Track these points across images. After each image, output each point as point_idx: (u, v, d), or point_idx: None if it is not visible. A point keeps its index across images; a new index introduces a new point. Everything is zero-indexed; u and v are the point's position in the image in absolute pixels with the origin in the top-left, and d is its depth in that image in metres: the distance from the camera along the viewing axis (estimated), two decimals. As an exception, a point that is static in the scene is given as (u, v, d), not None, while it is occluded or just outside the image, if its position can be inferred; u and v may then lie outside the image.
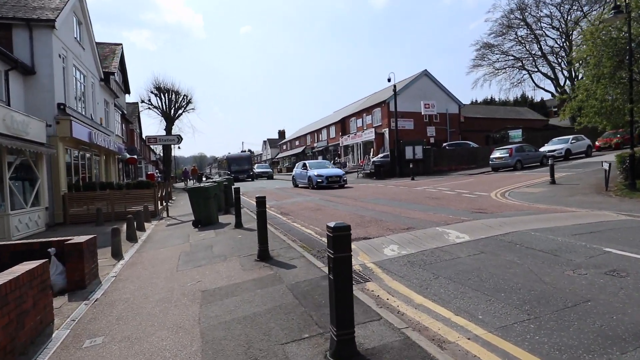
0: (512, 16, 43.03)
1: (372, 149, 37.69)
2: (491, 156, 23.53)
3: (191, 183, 47.62)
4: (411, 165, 22.93)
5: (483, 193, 13.65)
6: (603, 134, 30.65)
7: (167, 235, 9.80)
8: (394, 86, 27.12)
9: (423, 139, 26.76)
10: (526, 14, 41.99)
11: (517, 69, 45.61)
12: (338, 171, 21.62)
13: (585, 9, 37.95)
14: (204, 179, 43.33)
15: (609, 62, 12.12)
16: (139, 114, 36.81)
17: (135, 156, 28.32)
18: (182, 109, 35.06)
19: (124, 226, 9.61)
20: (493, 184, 16.37)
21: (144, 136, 36.17)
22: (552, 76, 42.76)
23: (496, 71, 46.40)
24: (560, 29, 41.04)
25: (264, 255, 6.11)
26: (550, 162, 14.76)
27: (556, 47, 42.45)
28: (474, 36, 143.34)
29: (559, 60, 42.82)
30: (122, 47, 25.92)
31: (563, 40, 41.68)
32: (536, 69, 44.34)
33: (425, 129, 36.71)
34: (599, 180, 14.29)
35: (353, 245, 6.05)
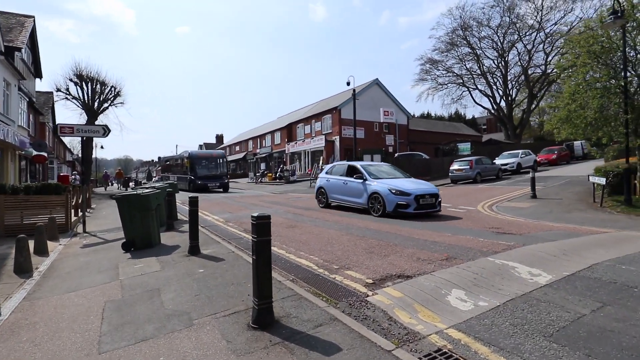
0: (454, 35, 44.47)
1: (321, 157, 35.85)
2: (451, 168, 22.87)
3: (114, 188, 41.73)
4: (373, 175, 21.24)
5: (470, 207, 12.25)
6: (541, 150, 32.21)
7: (83, 264, 6.64)
8: (353, 90, 25.57)
9: (381, 148, 25.39)
10: (467, 33, 43.62)
11: (458, 86, 47.19)
12: (429, 187, 11.21)
13: (522, 32, 40.23)
14: (131, 184, 37.95)
15: (605, 70, 11.39)
16: (54, 105, 30.69)
17: (45, 154, 23.21)
18: (109, 101, 29.66)
19: (14, 249, 6.31)
20: (469, 197, 15.20)
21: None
22: (490, 94, 44.80)
23: (439, 86, 47.61)
24: (497, 50, 43.18)
25: (264, 316, 3.54)
26: (531, 174, 13.91)
27: (493, 67, 44.66)
28: (407, 55, 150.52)
29: (494, 80, 45.08)
30: (34, 21, 21.08)
31: (499, 61, 43.94)
32: (475, 87, 46.22)
33: (376, 138, 35.87)
34: (579, 195, 13.75)
35: (394, 291, 4.34)
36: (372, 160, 24.44)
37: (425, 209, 10.37)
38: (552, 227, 8.24)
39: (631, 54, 11.22)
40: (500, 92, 44.60)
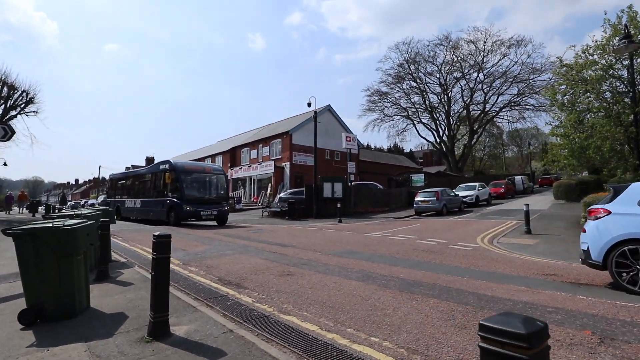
0: (400, 69, 45.70)
1: (269, 185, 33.19)
2: (416, 199, 21.73)
3: (17, 211, 34.22)
4: (339, 205, 19.25)
5: (470, 243, 10.65)
6: (489, 184, 32.93)
7: None
8: (315, 112, 23.75)
9: (342, 176, 23.61)
10: (413, 68, 45.07)
11: (403, 118, 48.17)
12: None
13: (465, 71, 42.39)
14: (40, 209, 31.51)
15: (605, 100, 10.77)
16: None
17: None
18: (19, 109, 24.35)
19: None
20: (454, 231, 13.72)
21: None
22: (434, 128, 46.24)
23: (386, 117, 48.19)
24: (441, 86, 45.05)
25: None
26: (525, 208, 12.82)
27: (436, 102, 46.42)
28: (342, 89, 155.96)
29: (437, 115, 46.79)
30: None
31: (442, 96, 45.83)
32: (419, 120, 47.50)
33: (327, 166, 34.25)
34: (570, 230, 12.91)
35: None
36: (333, 187, 22.48)
37: None
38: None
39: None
40: (443, 127, 46.26)
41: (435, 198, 20.85)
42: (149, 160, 50.68)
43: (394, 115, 48.07)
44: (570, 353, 3.29)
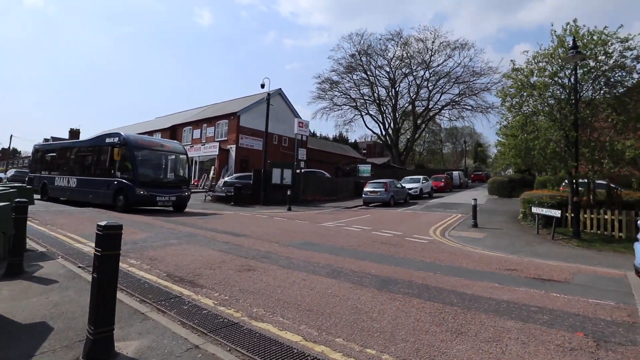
0: (352, 59, 45.68)
1: (212, 167, 31.49)
2: (365, 189, 21.78)
3: None
4: (289, 192, 18.59)
5: (425, 236, 10.70)
6: (431, 178, 34.24)
7: None
8: (268, 94, 22.62)
9: (292, 162, 22.91)
10: (364, 60, 45.30)
11: (352, 108, 48.41)
12: None
13: (414, 67, 43.46)
14: None
15: (550, 105, 11.32)
16: None
17: None
18: None
19: None
20: (405, 223, 13.79)
21: None
22: (380, 120, 47.09)
23: (335, 106, 48.07)
24: (390, 80, 45.85)
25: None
26: (473, 203, 13.22)
27: (384, 95, 47.23)
28: (290, 75, 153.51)
29: (385, 108, 47.68)
30: None
31: (390, 90, 46.72)
32: (367, 112, 48.06)
33: (275, 151, 33.30)
34: (511, 224, 13.56)
35: None
36: (282, 173, 21.73)
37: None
38: (560, 267, 6.92)
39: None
40: (389, 120, 47.31)
41: (384, 189, 21.02)
42: (74, 132, 45.49)
43: (343, 105, 48.17)
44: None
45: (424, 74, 43.35)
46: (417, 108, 45.96)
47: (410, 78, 44.41)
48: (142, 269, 5.71)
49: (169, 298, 4.36)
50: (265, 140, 22.30)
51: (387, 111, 47.56)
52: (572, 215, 10.60)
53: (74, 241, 7.72)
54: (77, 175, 16.71)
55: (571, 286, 5.57)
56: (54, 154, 19.24)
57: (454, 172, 38.96)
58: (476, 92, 41.83)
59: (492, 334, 3.57)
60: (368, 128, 50.10)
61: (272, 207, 19.07)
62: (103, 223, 2.90)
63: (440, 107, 44.68)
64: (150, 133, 39.94)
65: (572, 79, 11.25)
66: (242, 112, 31.18)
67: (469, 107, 42.99)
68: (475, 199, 13.45)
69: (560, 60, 11.19)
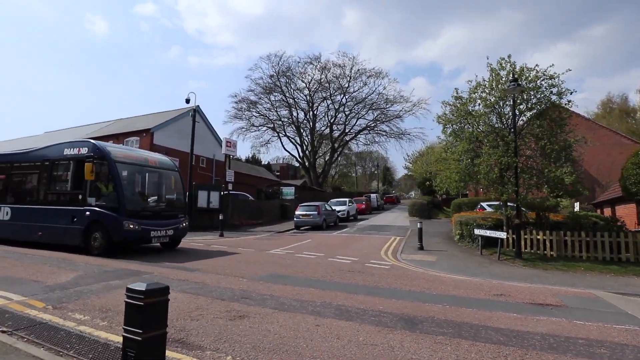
0: (270, 80, 45.46)
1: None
2: (297, 213, 21.20)
3: None
4: (221, 217, 17.04)
5: (384, 262, 10.53)
6: (353, 200, 35.08)
7: None
8: (194, 110, 20.87)
9: (220, 185, 21.29)
10: (282, 81, 45.43)
11: (269, 129, 47.82)
12: None
13: (331, 92, 44.90)
14: None
15: (490, 132, 12.34)
16: None
17: None
18: None
19: None
20: (350, 247, 13.57)
21: None
22: (298, 142, 47.31)
23: (251, 127, 46.96)
24: (308, 103, 46.60)
25: None
26: (419, 226, 13.58)
27: (302, 118, 47.71)
28: (197, 91, 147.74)
29: (303, 130, 48.13)
30: None
31: (308, 112, 47.40)
32: (284, 134, 47.92)
33: (194, 172, 30.79)
34: (450, 245, 14.16)
35: None
36: (209, 196, 20.01)
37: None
38: (544, 291, 7.24)
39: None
40: (307, 142, 47.80)
41: (316, 212, 20.70)
42: None
43: (260, 125, 47.30)
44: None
45: (342, 98, 45.13)
46: (334, 131, 47.37)
47: (328, 102, 45.79)
48: (100, 327, 4.27)
49: None
50: (190, 160, 20.53)
51: (304, 133, 48.07)
52: (514, 236, 11.43)
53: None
54: (14, 202, 11.82)
55: (574, 310, 5.71)
56: None
57: (371, 194, 40.69)
58: (390, 118, 44.82)
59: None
60: (286, 150, 49.93)
61: (202, 233, 17.27)
62: (140, 286, 1.88)
63: (356, 131, 46.75)
64: (36, 148, 33.99)
65: (505, 109, 12.50)
66: (155, 129, 28.35)
67: (384, 133, 45.76)
68: (421, 222, 13.85)
69: (497, 91, 12.33)
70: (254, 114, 46.88)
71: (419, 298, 6.20)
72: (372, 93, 44.46)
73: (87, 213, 10.03)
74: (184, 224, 11.72)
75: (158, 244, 11.30)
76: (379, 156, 68.15)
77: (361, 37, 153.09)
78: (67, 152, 11.04)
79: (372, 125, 45.96)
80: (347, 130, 46.61)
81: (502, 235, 11.28)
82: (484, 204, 20.77)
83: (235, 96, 47.85)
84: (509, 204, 12.51)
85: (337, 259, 10.85)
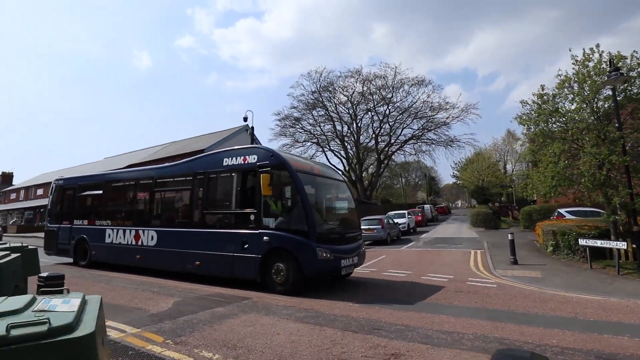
0: (312, 96, 45.45)
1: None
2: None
3: None
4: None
5: (485, 279, 9.46)
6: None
7: None
8: (252, 128, 20.95)
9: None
10: (324, 97, 45.27)
11: (313, 144, 47.63)
12: None
13: (376, 104, 44.18)
14: None
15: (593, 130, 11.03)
16: None
17: None
18: None
19: None
20: (433, 263, 12.54)
21: None
22: (344, 156, 46.69)
23: (296, 143, 46.99)
24: (351, 116, 46.06)
25: None
26: (510, 237, 12.29)
27: (347, 131, 47.15)
28: (231, 115, 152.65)
29: (348, 142, 47.52)
30: None
31: (352, 125, 46.80)
32: (329, 148, 47.48)
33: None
34: (554, 259, 12.54)
35: None
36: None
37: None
38: None
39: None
40: (352, 155, 47.08)
41: (380, 226, 19.76)
42: (5, 176, 39.34)
43: (304, 141, 47.23)
44: None
45: (385, 109, 44.18)
46: (380, 143, 46.35)
47: (372, 113, 44.96)
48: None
49: None
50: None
51: (349, 146, 47.43)
52: (634, 245, 9.95)
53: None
54: (160, 225, 10.33)
55: None
56: (99, 192, 12.32)
57: (425, 205, 39.07)
58: (438, 125, 43.22)
59: None
60: (331, 164, 49.31)
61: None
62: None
63: (402, 141, 45.46)
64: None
65: (598, 104, 11.20)
66: (211, 150, 28.83)
67: (432, 141, 44.16)
68: (512, 233, 12.55)
69: (589, 85, 11.07)
70: (298, 129, 46.98)
71: (585, 327, 5.17)
72: (416, 101, 43.21)
73: (265, 238, 7.92)
74: (363, 248, 9.62)
75: (346, 275, 9.24)
76: (423, 166, 66.07)
77: (390, 50, 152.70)
78: (228, 161, 9.09)
79: (419, 134, 44.51)
80: (392, 141, 45.45)
81: (622, 245, 9.83)
82: (562, 211, 18.94)
83: (279, 114, 48.08)
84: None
85: (430, 276, 9.91)
